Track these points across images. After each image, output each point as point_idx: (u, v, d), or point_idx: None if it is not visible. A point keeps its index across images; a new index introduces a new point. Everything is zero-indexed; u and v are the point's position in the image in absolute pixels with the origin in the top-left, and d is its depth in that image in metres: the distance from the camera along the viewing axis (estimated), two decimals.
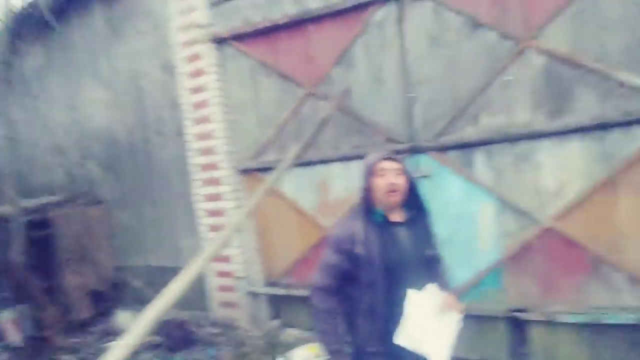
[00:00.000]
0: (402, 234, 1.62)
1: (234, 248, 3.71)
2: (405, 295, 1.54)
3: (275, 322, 3.79)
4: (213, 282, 3.92)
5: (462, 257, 2.90)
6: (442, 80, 2.90)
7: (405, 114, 3.05)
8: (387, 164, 1.60)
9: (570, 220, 2.59)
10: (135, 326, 2.03)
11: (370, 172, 1.60)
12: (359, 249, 1.53)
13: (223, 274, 3.83)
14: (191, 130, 3.87)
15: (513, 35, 2.65)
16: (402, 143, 3.03)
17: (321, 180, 3.46)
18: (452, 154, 2.90)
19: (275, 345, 3.41)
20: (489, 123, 2.78)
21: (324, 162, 3.40)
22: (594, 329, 2.58)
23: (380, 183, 1.57)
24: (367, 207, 1.60)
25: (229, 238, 2.52)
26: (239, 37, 3.59)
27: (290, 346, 3.35)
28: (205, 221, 3.91)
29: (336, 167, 3.37)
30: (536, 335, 2.75)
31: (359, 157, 3.00)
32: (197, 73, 3.75)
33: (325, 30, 3.26)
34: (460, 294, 2.92)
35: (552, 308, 2.69)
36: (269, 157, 3.68)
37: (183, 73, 3.82)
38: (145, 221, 4.48)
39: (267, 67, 3.55)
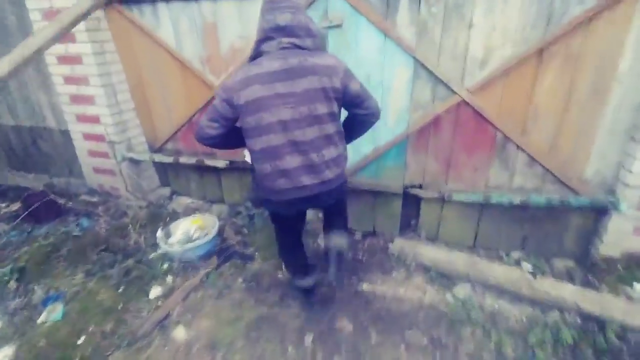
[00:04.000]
0: None
1: (103, 107, 2.99)
2: None
3: (165, 190, 3.40)
4: (81, 145, 3.27)
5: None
6: None
7: None
8: None
9: (488, 93, 2.26)
10: None
11: None
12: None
13: (92, 137, 3.18)
14: None
15: None
16: None
17: (209, 22, 2.66)
18: None
19: (160, 216, 3.07)
20: None
21: None
22: (481, 207, 2.56)
23: None
24: None
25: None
26: None
27: (177, 216, 3.05)
28: None
29: (227, 6, 2.57)
30: (426, 210, 2.70)
31: None
32: None
33: None
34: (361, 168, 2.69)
35: (449, 186, 2.59)
36: None
37: None
38: None
39: None
